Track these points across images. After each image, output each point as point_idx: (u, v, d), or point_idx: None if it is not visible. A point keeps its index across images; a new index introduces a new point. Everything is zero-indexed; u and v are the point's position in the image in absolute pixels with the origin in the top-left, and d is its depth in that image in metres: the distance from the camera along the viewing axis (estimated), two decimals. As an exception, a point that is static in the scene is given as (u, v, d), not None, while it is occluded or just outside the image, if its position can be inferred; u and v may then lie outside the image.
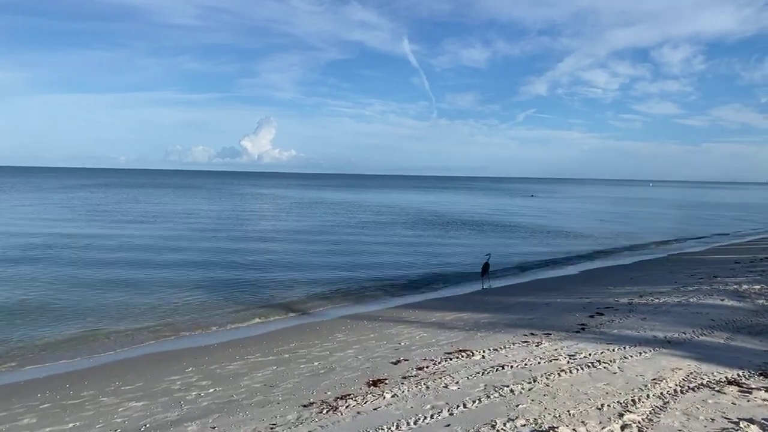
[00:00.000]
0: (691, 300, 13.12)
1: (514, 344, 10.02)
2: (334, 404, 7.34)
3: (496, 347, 9.78)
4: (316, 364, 9.61)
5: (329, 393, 7.92)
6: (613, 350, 9.25)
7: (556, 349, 9.48)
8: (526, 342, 10.15)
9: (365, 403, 7.32)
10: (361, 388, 7.97)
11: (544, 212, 57.98)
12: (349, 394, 7.71)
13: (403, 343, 10.70)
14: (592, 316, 12.13)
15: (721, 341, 9.69)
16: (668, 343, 9.57)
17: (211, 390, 8.55)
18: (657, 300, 13.47)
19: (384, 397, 7.45)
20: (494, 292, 17.03)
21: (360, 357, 9.85)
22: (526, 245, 29.45)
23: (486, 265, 18.15)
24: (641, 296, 14.25)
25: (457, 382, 7.87)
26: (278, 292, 17.28)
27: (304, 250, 26.20)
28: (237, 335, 12.60)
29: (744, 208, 74.78)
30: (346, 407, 7.20)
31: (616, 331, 10.69)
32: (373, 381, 8.22)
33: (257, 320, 13.98)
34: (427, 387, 7.75)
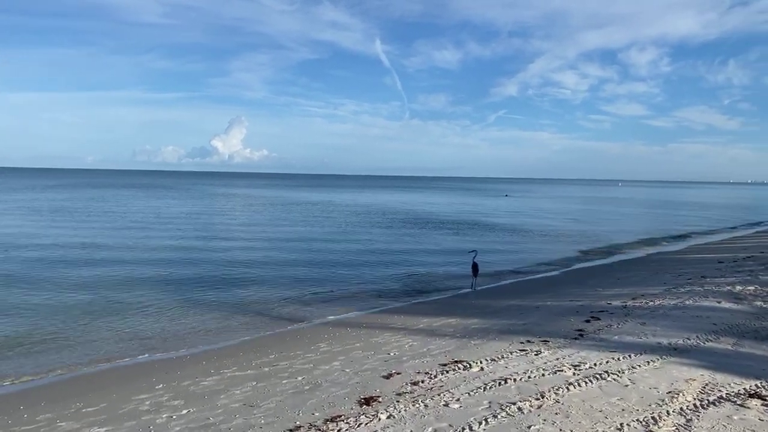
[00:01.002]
0: (687, 302, 12.69)
1: (511, 353, 9.38)
2: (324, 428, 6.57)
3: (493, 357, 9.12)
4: (299, 379, 8.79)
5: (317, 414, 7.13)
6: (619, 359, 8.67)
7: (557, 359, 8.86)
8: (524, 351, 9.52)
9: (358, 426, 6.56)
10: (352, 408, 7.20)
11: (519, 212, 57.95)
12: (340, 416, 6.93)
13: (392, 354, 9.96)
14: (588, 321, 11.59)
15: (729, 347, 9.21)
16: (675, 351, 9.04)
17: (185, 411, 7.67)
18: (651, 302, 13.01)
19: (379, 419, 6.70)
20: (480, 295, 16.43)
21: (347, 370, 9.07)
22: (504, 245, 29.01)
23: (475, 265, 17.56)
24: (634, 298, 13.80)
25: (457, 399, 7.17)
26: (252, 297, 16.34)
27: (277, 252, 25.22)
28: (211, 345, 11.68)
29: (710, 207, 76.25)
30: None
31: (616, 337, 10.14)
32: (365, 399, 7.46)
33: (231, 328, 13.05)
34: (426, 405, 7.03)
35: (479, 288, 17.39)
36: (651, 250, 28.00)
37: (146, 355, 11.07)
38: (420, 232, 35.34)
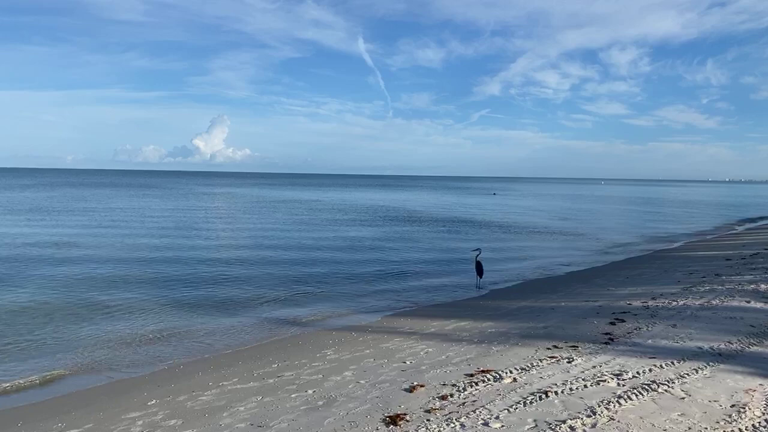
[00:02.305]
0: (714, 302, 11.99)
1: (541, 361, 8.55)
2: (349, 454, 5.67)
3: (523, 366, 8.29)
4: (310, 392, 7.87)
5: (338, 436, 6.23)
6: (662, 367, 7.89)
7: (594, 367, 8.06)
8: (554, 357, 8.70)
9: (389, 451, 5.67)
10: (377, 428, 6.31)
11: (510, 210, 57.46)
12: (366, 438, 6.04)
13: (408, 362, 9.08)
14: (612, 323, 10.83)
15: (777, 352, 8.49)
16: (720, 356, 8.29)
17: (183, 433, 6.73)
18: (675, 303, 12.30)
19: (412, 442, 5.83)
20: (488, 296, 15.63)
21: (362, 382, 8.17)
22: (499, 243, 28.30)
23: (479, 264, 16.78)
24: (653, 298, 13.09)
25: (497, 417, 6.32)
26: (245, 298, 15.31)
27: (267, 251, 24.17)
28: (205, 353, 10.71)
29: (694, 204, 76.70)
30: (367, 459, 5.54)
31: (650, 341, 9.37)
32: (390, 417, 6.56)
33: (225, 334, 12.06)
34: (462, 425, 6.16)
35: (483, 288, 16.59)
36: (648, 247, 27.49)
37: (135, 365, 10.06)
38: (413, 230, 34.52)
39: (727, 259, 19.91)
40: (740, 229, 38.53)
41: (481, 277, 17.20)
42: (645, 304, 12.42)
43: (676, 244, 28.60)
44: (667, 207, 68.47)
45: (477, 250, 17.47)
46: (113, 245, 24.79)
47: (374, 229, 34.73)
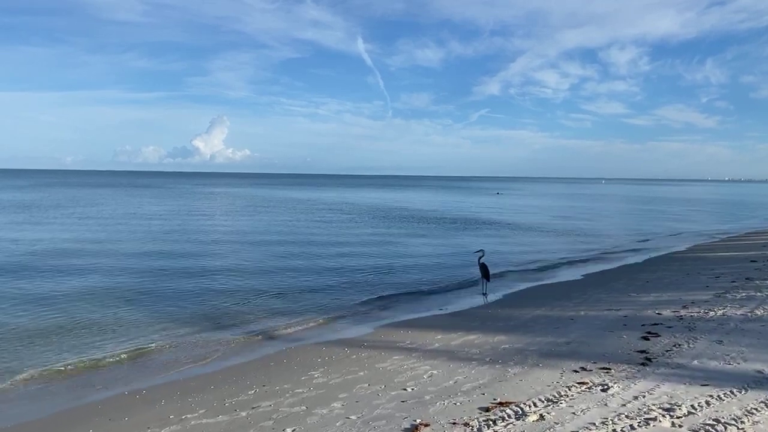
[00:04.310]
0: (759, 312, 10.52)
1: (569, 389, 7.08)
2: None
3: (549, 396, 6.82)
4: (288, 431, 6.41)
5: (317, 502, 4.76)
6: (720, 398, 6.42)
7: (636, 398, 6.59)
8: (584, 384, 7.24)
9: None
10: (369, 491, 4.84)
11: (515, 210, 56.07)
12: (353, 508, 4.58)
13: (409, 389, 7.61)
14: (646, 338, 9.36)
15: None
16: (788, 384, 6.83)
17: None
18: (712, 313, 10.83)
19: None
20: (497, 304, 14.16)
21: (354, 417, 6.69)
22: (508, 245, 26.83)
23: (484, 266, 15.30)
24: (684, 306, 11.62)
25: (525, 475, 4.86)
26: (226, 308, 13.76)
27: (256, 255, 22.64)
28: (172, 375, 9.23)
29: (698, 203, 75.49)
30: None
31: (696, 362, 7.91)
32: (386, 473, 5.10)
33: (199, 350, 10.58)
34: (481, 487, 4.69)
35: (491, 294, 15.13)
36: (661, 247, 26.00)
37: (89, 392, 8.58)
38: (416, 231, 33.03)
39: (752, 261, 18.46)
40: (753, 229, 37.03)
41: (488, 281, 15.73)
42: (677, 314, 10.95)
43: (688, 244, 27.12)
44: (671, 206, 67.05)
45: (480, 251, 15.95)
46: (85, 252, 23.26)
47: (375, 229, 33.27)
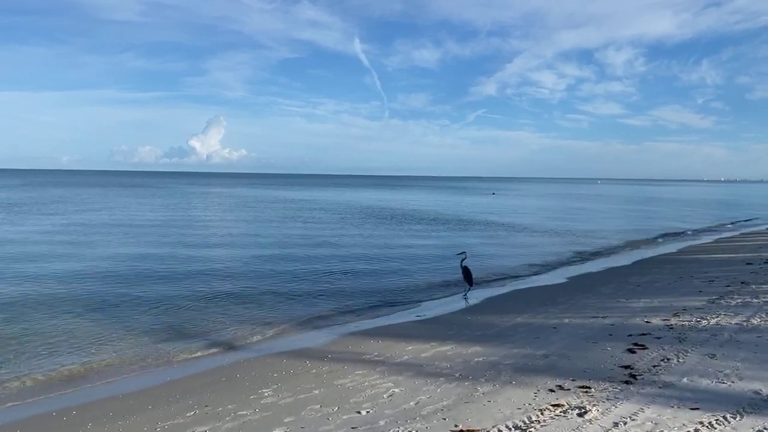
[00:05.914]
0: (755, 321, 9.72)
1: (542, 412, 6.26)
2: None
3: (518, 421, 5.99)
4: (215, 465, 5.56)
5: None
6: (712, 425, 5.60)
7: (616, 424, 5.77)
8: (558, 406, 6.41)
9: None
10: None
11: (509, 210, 55.31)
12: None
13: (364, 411, 6.77)
14: (631, 350, 8.55)
15: None
16: (789, 408, 6.01)
17: None
18: (704, 321, 10.02)
19: None
20: (478, 309, 13.32)
21: (293, 447, 5.85)
22: (498, 246, 26.04)
23: (467, 270, 14.51)
24: (676, 314, 10.81)
25: None
26: (191, 316, 12.84)
27: (237, 256, 21.80)
28: (112, 391, 8.36)
29: (692, 204, 74.78)
30: None
31: (686, 380, 7.08)
32: None
33: (144, 361, 9.74)
34: None
35: (472, 298, 14.32)
36: (654, 249, 25.26)
37: (12, 407, 7.72)
38: (405, 232, 32.19)
39: (748, 263, 17.68)
40: (750, 230, 36.30)
41: (470, 286, 14.96)
42: (668, 323, 10.14)
43: (681, 245, 26.37)
44: (666, 206, 66.42)
45: (462, 253, 15.20)
46: (53, 255, 22.37)
47: (362, 230, 32.41)
